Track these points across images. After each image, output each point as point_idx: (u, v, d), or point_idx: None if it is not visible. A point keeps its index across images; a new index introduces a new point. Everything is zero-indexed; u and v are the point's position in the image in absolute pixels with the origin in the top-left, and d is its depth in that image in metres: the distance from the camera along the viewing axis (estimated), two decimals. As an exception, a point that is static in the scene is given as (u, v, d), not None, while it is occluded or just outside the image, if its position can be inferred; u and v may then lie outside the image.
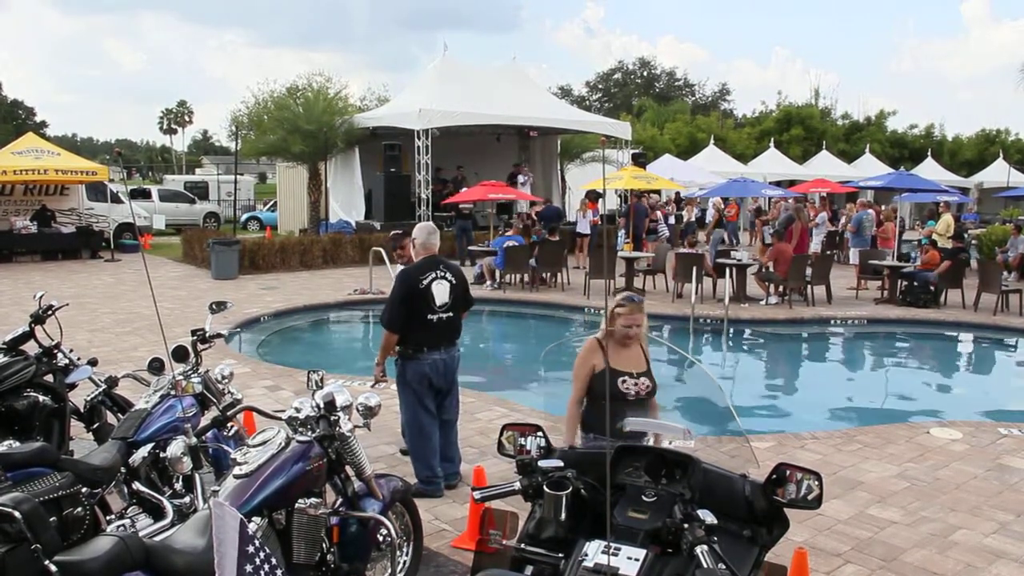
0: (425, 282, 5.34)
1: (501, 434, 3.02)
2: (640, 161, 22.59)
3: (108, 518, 3.84)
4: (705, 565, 2.26)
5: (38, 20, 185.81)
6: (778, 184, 28.36)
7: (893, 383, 10.57)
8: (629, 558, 2.41)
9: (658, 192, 24.60)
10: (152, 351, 7.32)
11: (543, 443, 2.95)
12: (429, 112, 19.20)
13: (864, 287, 15.15)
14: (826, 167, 32.50)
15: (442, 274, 5.43)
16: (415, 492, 5.21)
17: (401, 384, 5.51)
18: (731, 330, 12.24)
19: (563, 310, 13.83)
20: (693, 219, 25.03)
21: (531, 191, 21.52)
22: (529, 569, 2.61)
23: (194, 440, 3.98)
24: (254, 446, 3.32)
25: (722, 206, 23.60)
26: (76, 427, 5.70)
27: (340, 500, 3.63)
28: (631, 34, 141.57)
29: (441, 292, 5.39)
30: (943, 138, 47.00)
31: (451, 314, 5.47)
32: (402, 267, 6.09)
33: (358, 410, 3.74)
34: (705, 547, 2.32)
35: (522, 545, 2.66)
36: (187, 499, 4.07)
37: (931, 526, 5.11)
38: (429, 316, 5.36)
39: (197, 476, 4.13)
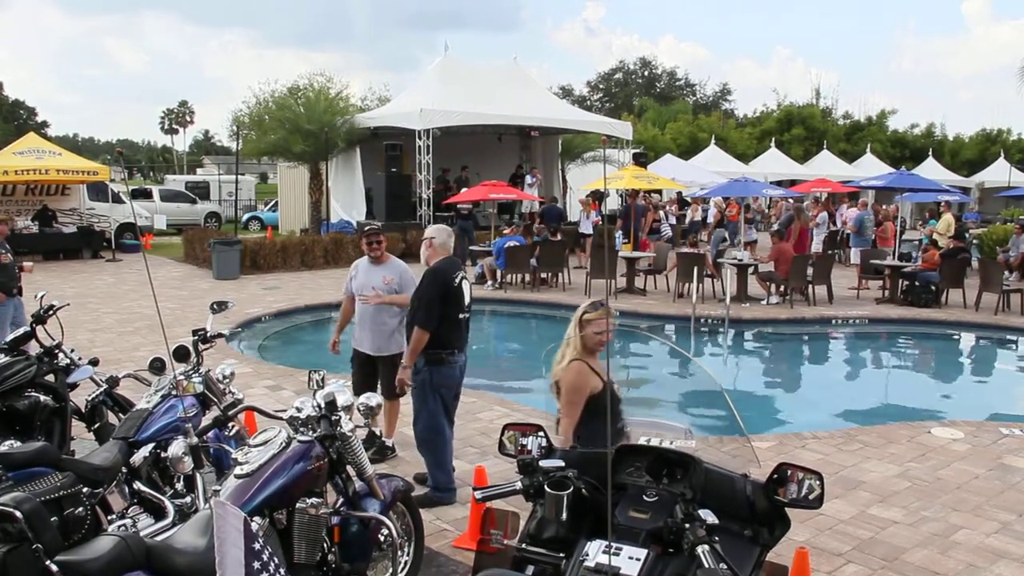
0: (456, 281, 5.30)
1: (502, 434, 3.02)
2: (641, 161, 22.59)
3: (109, 518, 3.84)
4: (706, 565, 2.26)
5: (39, 20, 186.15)
6: (779, 184, 28.34)
7: (894, 383, 10.56)
8: (630, 558, 2.40)
9: (659, 192, 24.59)
10: (153, 351, 7.33)
11: (544, 443, 2.94)
12: (430, 112, 19.20)
13: (865, 287, 15.14)
14: (827, 167, 32.50)
15: (463, 274, 5.43)
16: (428, 500, 5.19)
17: (428, 390, 5.27)
18: (732, 330, 12.23)
19: (564, 310, 13.78)
20: (698, 219, 25.00)
21: (538, 192, 21.54)
22: (530, 569, 2.61)
23: (195, 440, 3.98)
24: (255, 446, 3.32)
25: (723, 206, 23.57)
26: (77, 427, 5.71)
27: (341, 500, 3.63)
28: (632, 34, 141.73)
29: (466, 291, 5.39)
30: (944, 138, 46.99)
31: (469, 315, 5.46)
32: (369, 263, 6.15)
33: (359, 410, 3.74)
34: (706, 547, 2.31)
35: (523, 545, 2.65)
36: (188, 499, 4.07)
37: (933, 526, 5.10)
38: (460, 315, 5.32)
39: (198, 476, 4.13)
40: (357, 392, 6.05)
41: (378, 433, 6.28)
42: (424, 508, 4.84)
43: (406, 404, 6.74)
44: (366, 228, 6.31)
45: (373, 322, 6.03)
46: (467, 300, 5.38)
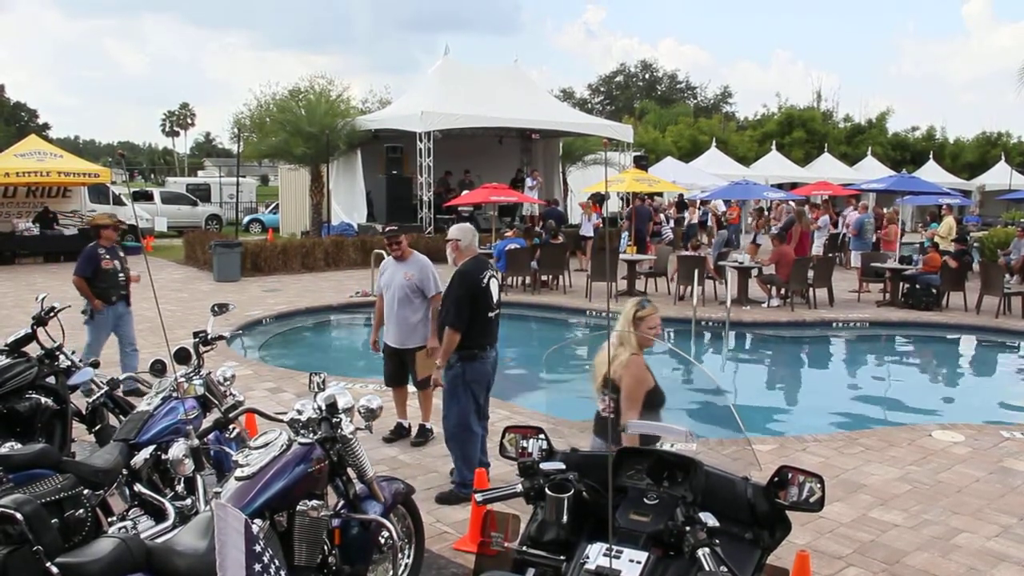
0: (484, 280, 5.40)
1: (503, 436, 3.02)
2: (642, 164, 22.59)
3: (110, 520, 3.84)
4: (707, 568, 2.26)
5: (40, 22, 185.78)
6: (780, 187, 28.34)
7: (895, 386, 10.55)
8: (631, 561, 2.41)
9: (660, 195, 24.60)
10: (154, 353, 7.30)
11: (545, 445, 2.94)
12: (431, 114, 19.21)
13: (866, 290, 15.13)
14: (828, 170, 32.49)
15: (492, 273, 5.53)
16: (453, 497, 5.31)
17: (460, 386, 5.41)
18: (733, 333, 12.23)
19: (565, 312, 13.83)
20: (695, 222, 25.01)
21: (539, 195, 21.54)
22: (531, 572, 2.61)
23: (196, 442, 3.98)
24: (256, 448, 3.32)
25: (722, 209, 23.58)
26: (78, 429, 5.71)
27: (342, 502, 3.63)
28: (632, 36, 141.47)
29: (495, 290, 5.49)
30: (944, 140, 46.96)
31: (499, 311, 5.57)
32: (394, 261, 6.42)
33: (360, 412, 3.74)
34: (707, 550, 2.31)
35: (524, 547, 2.65)
36: (189, 501, 4.06)
37: (933, 529, 5.10)
38: (489, 314, 5.43)
39: (199, 478, 4.12)
40: (390, 382, 6.58)
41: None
42: (448, 504, 5.19)
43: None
44: (386, 229, 6.69)
45: (398, 317, 6.31)
46: (495, 298, 5.48)
